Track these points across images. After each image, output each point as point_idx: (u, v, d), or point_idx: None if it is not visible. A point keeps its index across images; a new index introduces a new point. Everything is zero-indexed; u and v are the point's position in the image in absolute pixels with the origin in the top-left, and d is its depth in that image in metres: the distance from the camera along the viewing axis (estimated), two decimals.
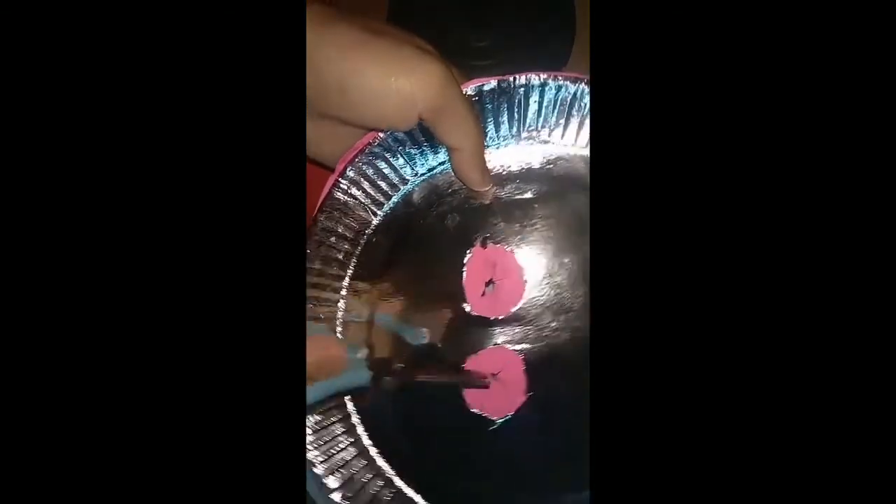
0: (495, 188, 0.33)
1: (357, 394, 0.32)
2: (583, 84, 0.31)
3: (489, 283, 0.33)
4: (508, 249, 0.34)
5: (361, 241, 0.33)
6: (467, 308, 0.33)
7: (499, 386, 0.33)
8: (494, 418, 0.33)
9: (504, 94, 0.31)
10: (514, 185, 0.34)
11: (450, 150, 0.31)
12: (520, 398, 0.33)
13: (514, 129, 0.33)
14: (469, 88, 0.30)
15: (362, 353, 0.32)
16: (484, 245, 0.33)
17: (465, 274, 0.33)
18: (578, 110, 0.32)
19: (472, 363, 0.33)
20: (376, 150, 0.32)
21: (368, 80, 0.27)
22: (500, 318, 0.33)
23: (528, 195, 0.34)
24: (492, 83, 0.31)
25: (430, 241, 0.34)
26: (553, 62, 0.44)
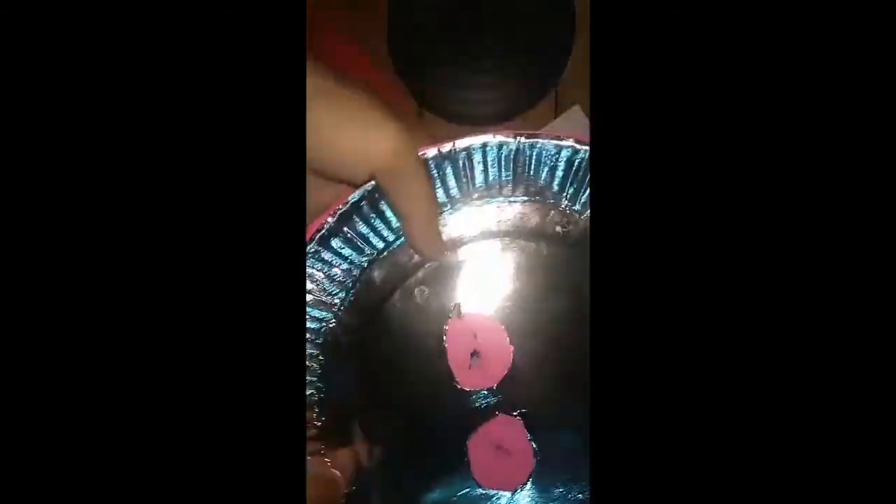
0: (453, 254, 0.32)
1: None
2: (522, 139, 0.30)
3: (474, 353, 0.32)
4: (485, 314, 0.32)
5: (325, 338, 0.32)
6: (457, 385, 0.32)
7: (507, 458, 0.32)
8: (509, 491, 0.32)
9: (447, 160, 0.30)
10: (474, 247, 0.33)
11: (401, 218, 0.30)
12: (529, 466, 0.32)
13: (464, 192, 0.32)
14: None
15: None
16: (459, 315, 0.32)
17: (447, 350, 0.32)
18: (523, 166, 0.31)
19: (477, 440, 0.32)
20: (325, 234, 0.30)
21: (326, 128, 0.27)
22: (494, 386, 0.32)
23: (490, 254, 0.33)
24: (432, 151, 0.30)
25: (402, 321, 0.32)
26: (553, 63, 0.44)
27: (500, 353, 0.32)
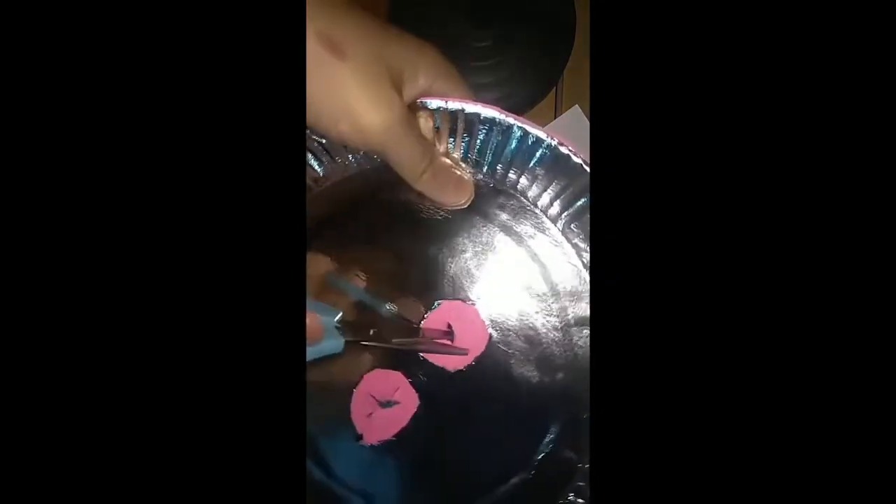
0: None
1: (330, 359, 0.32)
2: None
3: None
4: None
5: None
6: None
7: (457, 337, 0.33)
8: (452, 370, 0.33)
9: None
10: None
11: (408, 182, 0.31)
12: (480, 346, 0.33)
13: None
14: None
15: (337, 317, 0.31)
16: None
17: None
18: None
19: (428, 322, 0.33)
20: None
21: (320, 106, 0.27)
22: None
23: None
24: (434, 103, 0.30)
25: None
26: (553, 62, 0.44)
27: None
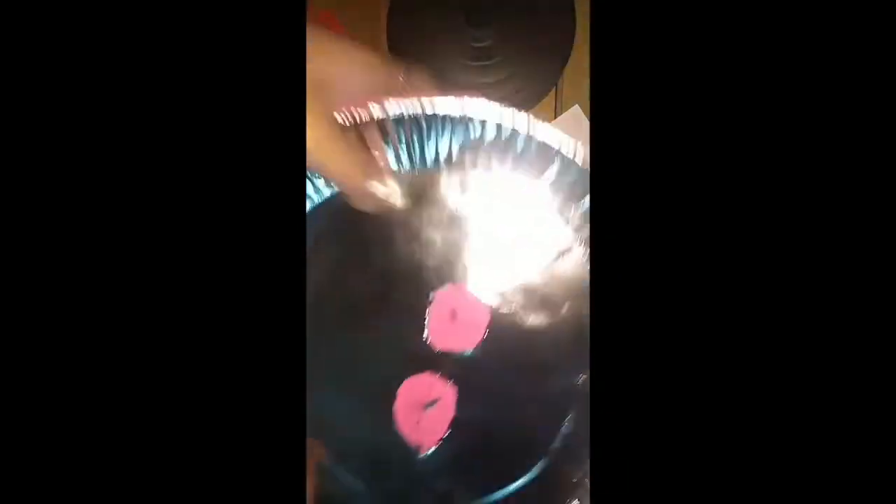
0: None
1: None
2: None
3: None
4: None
5: None
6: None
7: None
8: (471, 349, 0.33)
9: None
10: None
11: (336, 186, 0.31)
12: (485, 319, 0.34)
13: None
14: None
15: None
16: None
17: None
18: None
19: (433, 318, 0.34)
20: None
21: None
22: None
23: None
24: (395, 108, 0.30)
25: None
26: (553, 62, 0.44)
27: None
